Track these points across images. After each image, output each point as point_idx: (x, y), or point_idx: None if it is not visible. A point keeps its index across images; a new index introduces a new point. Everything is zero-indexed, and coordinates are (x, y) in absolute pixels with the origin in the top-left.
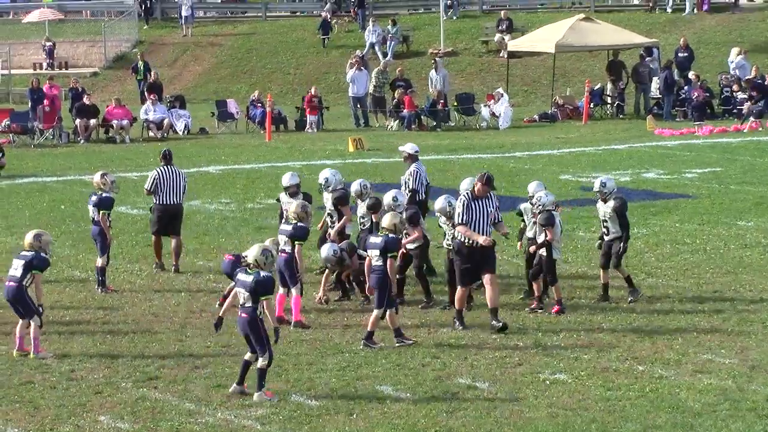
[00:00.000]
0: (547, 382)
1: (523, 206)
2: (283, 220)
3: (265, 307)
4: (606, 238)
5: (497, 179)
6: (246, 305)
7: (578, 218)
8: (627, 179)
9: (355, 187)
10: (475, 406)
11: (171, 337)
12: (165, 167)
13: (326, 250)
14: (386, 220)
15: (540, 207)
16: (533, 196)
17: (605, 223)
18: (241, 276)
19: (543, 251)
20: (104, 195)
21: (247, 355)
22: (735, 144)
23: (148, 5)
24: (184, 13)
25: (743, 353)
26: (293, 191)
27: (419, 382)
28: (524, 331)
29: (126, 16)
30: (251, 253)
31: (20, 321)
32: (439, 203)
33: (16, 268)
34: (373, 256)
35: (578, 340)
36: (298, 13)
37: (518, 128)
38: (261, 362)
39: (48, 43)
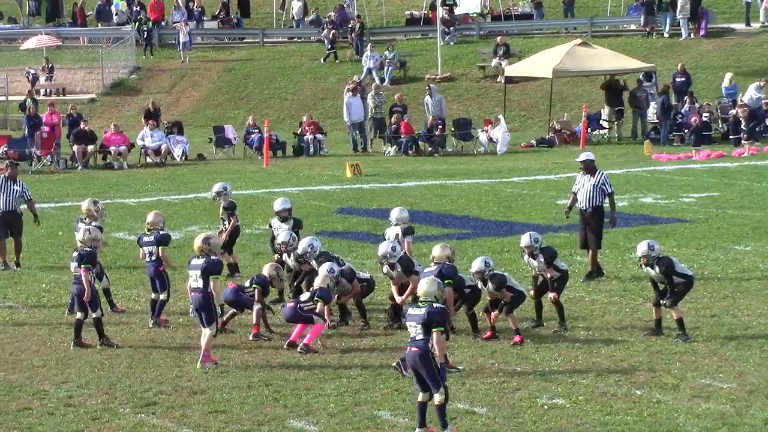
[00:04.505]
0: (546, 407)
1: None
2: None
3: (434, 340)
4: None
5: (495, 204)
6: (417, 338)
7: (576, 243)
8: (624, 204)
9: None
10: (474, 431)
11: (169, 363)
12: (5, 179)
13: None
14: (436, 251)
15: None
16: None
17: (662, 284)
18: (412, 310)
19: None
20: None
21: (420, 396)
22: (733, 168)
23: (146, 34)
24: (182, 40)
25: (741, 378)
26: (284, 216)
27: None
28: (522, 356)
29: (123, 42)
30: (422, 289)
31: (203, 331)
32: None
33: (196, 279)
34: None
35: (576, 365)
36: (295, 39)
37: (515, 153)
38: (438, 398)
39: (32, 69)
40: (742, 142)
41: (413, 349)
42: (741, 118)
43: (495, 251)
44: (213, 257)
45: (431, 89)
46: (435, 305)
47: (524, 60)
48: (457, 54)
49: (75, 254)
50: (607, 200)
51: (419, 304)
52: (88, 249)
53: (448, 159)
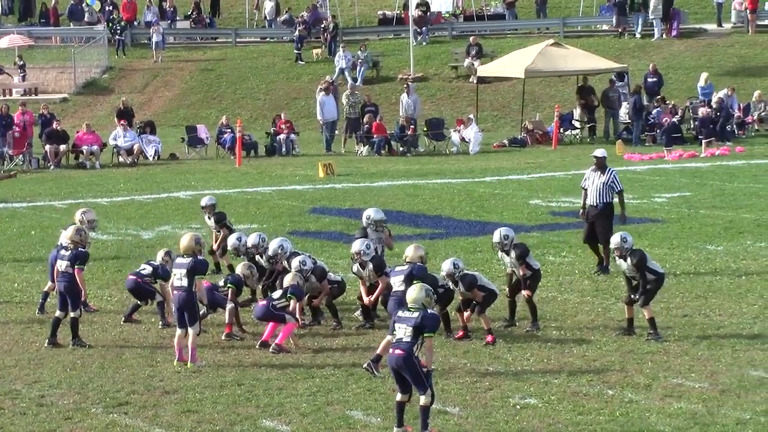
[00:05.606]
0: (518, 407)
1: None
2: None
3: (425, 345)
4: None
5: (467, 204)
6: (404, 340)
7: (548, 243)
8: None
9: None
10: (446, 430)
11: (141, 363)
12: None
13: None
14: (409, 252)
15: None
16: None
17: (634, 280)
18: (402, 314)
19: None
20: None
21: (399, 396)
22: (704, 169)
23: (119, 34)
24: (154, 39)
25: (713, 377)
26: (208, 212)
27: (390, 407)
28: (495, 356)
29: (96, 42)
30: (412, 295)
31: (178, 331)
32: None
33: (180, 278)
34: (396, 282)
35: (548, 365)
36: (267, 39)
37: (488, 153)
38: (424, 400)
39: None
40: (702, 142)
41: (397, 351)
42: (701, 119)
43: (468, 251)
44: (200, 257)
45: (409, 87)
46: (430, 311)
47: (497, 60)
48: (429, 54)
49: (67, 253)
50: (616, 198)
51: (410, 308)
52: (82, 249)
53: (421, 159)
